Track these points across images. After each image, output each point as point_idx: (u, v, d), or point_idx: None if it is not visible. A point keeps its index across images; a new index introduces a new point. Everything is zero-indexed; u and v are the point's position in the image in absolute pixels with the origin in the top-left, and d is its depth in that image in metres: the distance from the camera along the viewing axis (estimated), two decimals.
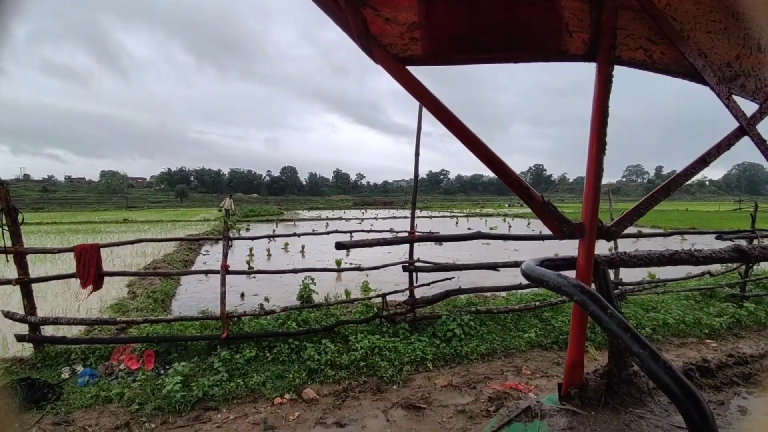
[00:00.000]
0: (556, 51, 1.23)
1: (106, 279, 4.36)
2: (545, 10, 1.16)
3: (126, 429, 2.90)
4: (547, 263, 1.15)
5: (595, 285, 1.21)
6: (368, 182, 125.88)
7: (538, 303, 5.31)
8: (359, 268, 5.14)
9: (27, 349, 4.17)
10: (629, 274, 6.64)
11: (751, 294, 5.93)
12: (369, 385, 3.55)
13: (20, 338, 4.01)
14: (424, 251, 11.37)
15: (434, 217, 33.51)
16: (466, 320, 4.58)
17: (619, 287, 5.63)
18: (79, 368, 3.75)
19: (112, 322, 4.34)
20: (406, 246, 4.89)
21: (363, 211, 45.92)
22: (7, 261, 4.01)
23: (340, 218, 31.92)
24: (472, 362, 4.07)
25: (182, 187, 68.62)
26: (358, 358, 3.87)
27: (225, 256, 4.37)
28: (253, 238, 5.15)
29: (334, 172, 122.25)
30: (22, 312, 4.05)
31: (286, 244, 13.96)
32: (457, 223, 26.68)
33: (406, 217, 31.27)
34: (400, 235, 5.90)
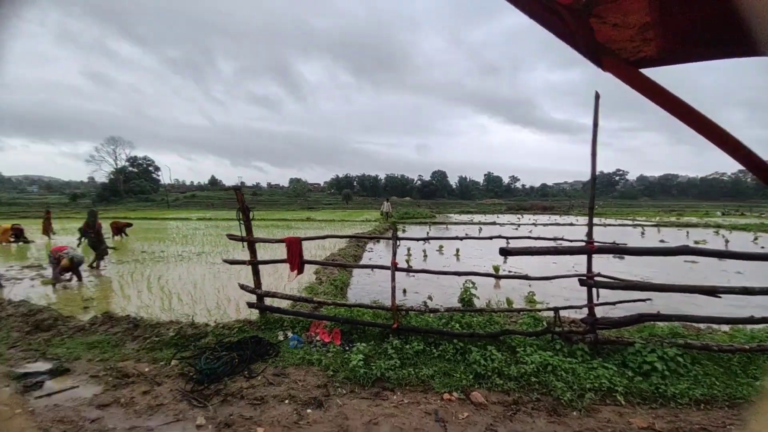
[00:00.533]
0: None
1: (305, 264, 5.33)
2: None
3: (324, 389, 3.47)
4: None
5: None
6: (523, 185, 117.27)
7: None
8: (526, 277, 4.82)
9: (253, 315, 5.45)
10: None
11: None
12: (543, 404, 3.29)
13: (250, 305, 5.28)
14: (601, 265, 9.83)
15: (609, 225, 28.66)
16: (671, 354, 3.75)
17: None
18: (290, 334, 4.69)
19: (310, 301, 5.27)
20: (575, 258, 4.35)
21: (518, 216, 43.05)
22: (243, 247, 5.35)
23: (494, 223, 30.73)
24: (682, 407, 3.29)
25: (347, 192, 78.43)
26: (528, 372, 3.63)
27: (394, 254, 4.75)
28: (417, 239, 5.45)
29: (485, 175, 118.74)
30: (251, 286, 5.32)
31: (441, 247, 14.28)
32: (643, 233, 22.22)
33: (571, 225, 27.83)
34: (574, 243, 5.31)
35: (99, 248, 9.63)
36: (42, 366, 3.88)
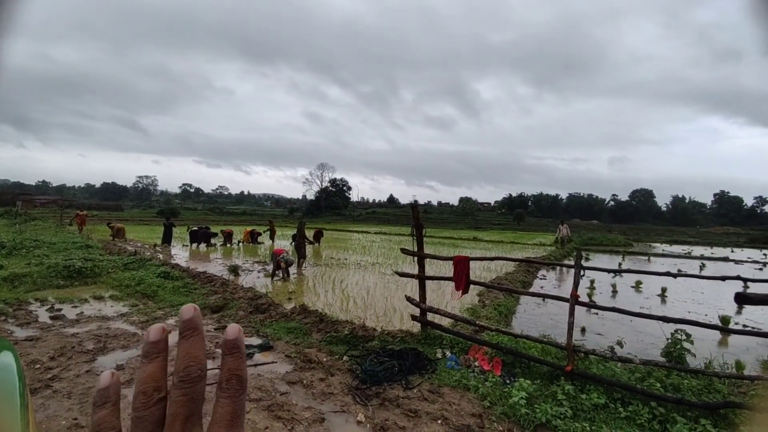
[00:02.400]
0: None
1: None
2: None
3: (479, 419, 3.30)
4: None
5: None
6: (745, 205, 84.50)
7: None
8: (761, 333, 3.43)
9: (415, 327, 5.69)
10: None
11: None
12: None
13: (413, 318, 5.55)
14: None
15: None
16: None
17: None
18: (448, 353, 4.70)
19: (472, 323, 5.16)
20: None
21: (766, 252, 31.02)
22: (412, 261, 5.68)
23: (726, 259, 23.11)
24: None
25: (520, 212, 73.72)
26: None
27: (576, 285, 4.17)
28: (606, 271, 4.63)
29: (714, 195, 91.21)
30: (416, 299, 5.59)
31: (638, 283, 11.68)
32: None
33: None
34: None
35: (301, 252, 12.02)
36: (255, 341, 5.05)
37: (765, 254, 28.51)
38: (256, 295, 7.43)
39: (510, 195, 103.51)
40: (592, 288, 10.75)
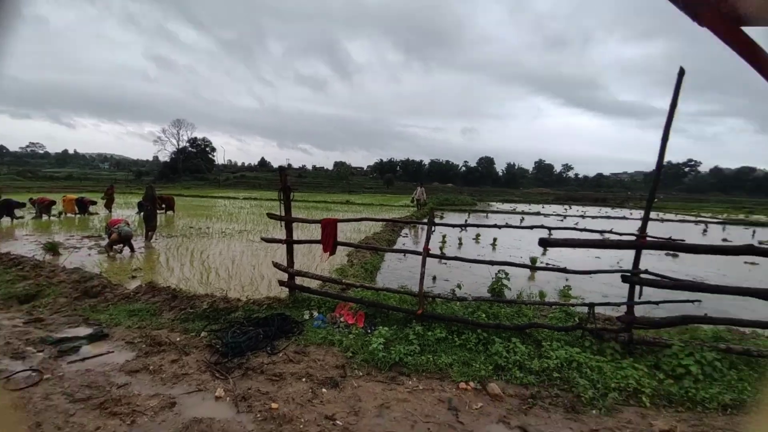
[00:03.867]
0: None
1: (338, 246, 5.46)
2: None
3: (342, 369, 3.58)
4: None
5: None
6: (576, 174, 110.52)
7: None
8: (564, 270, 4.59)
9: (284, 293, 5.69)
10: None
11: None
12: (562, 399, 3.18)
13: (281, 283, 5.52)
14: (650, 262, 9.16)
15: (669, 220, 26.46)
16: (709, 358, 3.46)
17: None
18: (315, 313, 4.87)
19: (338, 282, 5.41)
20: (621, 253, 4.07)
21: (566, 207, 40.88)
22: (281, 227, 5.55)
23: (538, 213, 29.46)
24: (709, 412, 3.06)
25: (389, 176, 78.54)
26: (551, 367, 3.52)
27: (427, 239, 4.71)
28: (452, 225, 5.38)
29: (535, 162, 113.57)
30: (284, 264, 5.55)
31: (478, 235, 13.97)
32: (705, 231, 20.33)
33: (624, 218, 26.04)
34: (623, 237, 4.97)
35: (151, 222, 10.44)
36: (82, 331, 4.21)
37: (565, 209, 37.52)
38: (84, 276, 6.17)
39: (381, 160, 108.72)
40: (443, 242, 12.40)
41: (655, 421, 2.93)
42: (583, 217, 25.83)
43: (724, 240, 15.80)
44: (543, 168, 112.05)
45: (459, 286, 5.16)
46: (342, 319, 4.71)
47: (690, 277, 8.43)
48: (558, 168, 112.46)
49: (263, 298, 5.46)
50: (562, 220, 23.24)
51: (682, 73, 3.46)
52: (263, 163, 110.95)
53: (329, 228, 5.22)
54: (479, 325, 4.24)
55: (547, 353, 3.73)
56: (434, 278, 8.04)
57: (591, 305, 4.10)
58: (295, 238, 5.58)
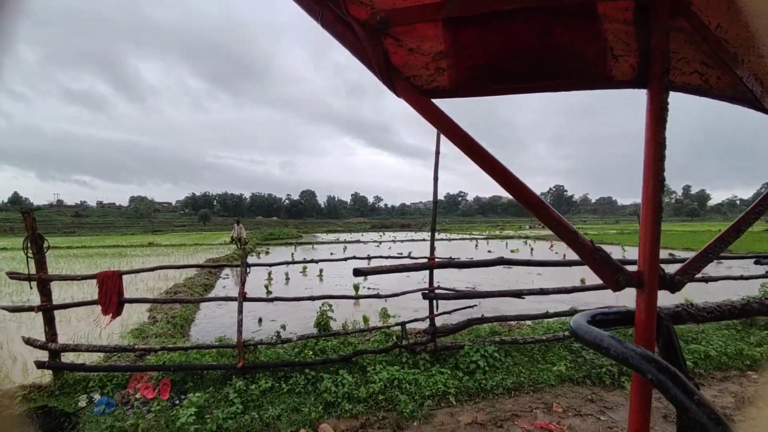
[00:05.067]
0: (601, 77, 1.12)
1: (130, 304, 4.40)
2: (585, 33, 1.06)
3: None
4: (600, 317, 1.02)
5: (659, 346, 1.08)
6: (386, 205, 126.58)
7: (566, 333, 5.01)
8: (377, 296, 5.01)
9: (46, 376, 4.18)
10: (666, 301, 6.24)
11: None
12: (388, 420, 3.37)
13: (40, 365, 4.03)
14: (445, 276, 11.12)
15: (453, 239, 33.04)
16: (490, 351, 4.35)
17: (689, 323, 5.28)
18: (96, 396, 3.72)
19: (130, 349, 4.32)
20: (426, 272, 4.76)
21: (381, 233, 45.93)
22: (31, 288, 4.09)
23: (358, 241, 31.91)
24: (498, 397, 3.82)
25: (205, 211, 70.66)
26: (376, 391, 3.69)
27: (243, 282, 4.35)
28: (270, 265, 5.13)
29: (352, 195, 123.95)
30: (43, 338, 4.09)
31: (305, 268, 13.94)
32: (476, 245, 26.18)
33: (424, 240, 30.95)
34: (419, 260, 5.80)
35: None
36: None
37: (380, 235, 41.97)
38: None
39: (193, 194, 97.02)
40: (269, 279, 11.82)
41: (461, 416, 3.43)
42: (394, 241, 29.45)
43: (489, 251, 20.78)
44: (359, 199, 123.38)
45: (283, 327, 4.92)
46: (138, 395, 3.75)
47: (472, 285, 10.63)
48: (371, 199, 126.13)
49: (16, 388, 3.85)
50: (378, 246, 25.81)
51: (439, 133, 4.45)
52: (16, 199, 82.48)
53: (109, 282, 4.17)
54: (307, 365, 4.11)
55: (372, 378, 3.91)
56: (260, 320, 7.47)
57: (403, 324, 4.58)
58: (61, 300, 4.20)
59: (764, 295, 6.07)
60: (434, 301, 4.68)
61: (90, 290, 8.89)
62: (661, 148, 1.05)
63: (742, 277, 5.82)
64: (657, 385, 0.63)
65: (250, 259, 19.19)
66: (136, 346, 4.34)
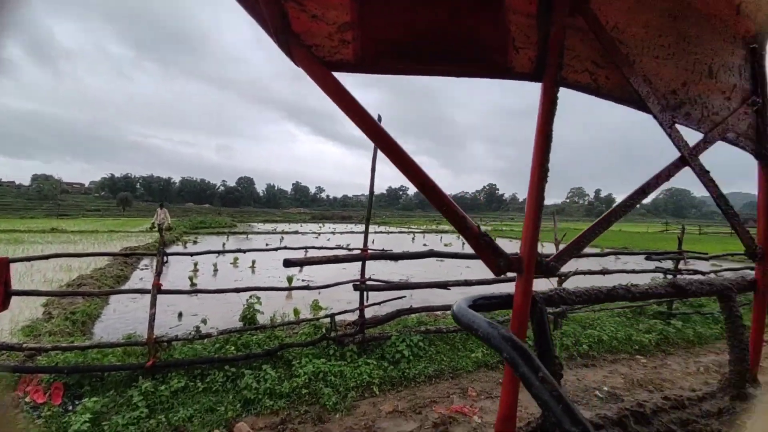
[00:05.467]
0: (502, 67, 1.14)
1: (21, 297, 3.83)
2: (491, 21, 1.08)
3: None
4: (481, 302, 1.07)
5: (532, 325, 1.15)
6: (328, 196, 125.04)
7: None
8: (308, 287, 4.91)
9: None
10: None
11: (678, 312, 6.40)
12: (310, 414, 3.33)
13: None
14: (379, 268, 11.28)
15: (392, 232, 33.67)
16: (415, 341, 4.50)
17: (561, 306, 5.83)
18: None
19: (18, 348, 3.77)
20: (367, 263, 4.76)
21: (321, 225, 45.29)
22: None
23: (297, 232, 31.12)
24: (420, 385, 3.97)
25: (125, 195, 63.90)
26: (300, 385, 3.63)
27: (158, 273, 4.00)
28: (193, 254, 4.78)
29: (293, 184, 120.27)
30: None
31: (236, 259, 13.25)
32: (413, 239, 26.96)
33: (363, 233, 31.13)
34: (353, 251, 5.79)
35: None
36: None
37: (320, 226, 41.35)
38: None
39: (112, 175, 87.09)
40: (195, 270, 11.06)
41: (383, 405, 3.50)
42: (333, 233, 29.22)
43: (425, 245, 21.50)
44: (300, 189, 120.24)
45: (204, 321, 4.62)
46: (28, 399, 3.29)
47: (405, 277, 10.92)
48: (313, 190, 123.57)
49: None
50: (317, 237, 25.43)
51: (379, 119, 4.44)
52: None
53: None
54: (227, 361, 3.91)
55: (296, 372, 3.83)
56: (180, 315, 6.96)
57: (332, 315, 4.56)
58: None
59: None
60: (365, 293, 4.70)
61: None
62: (548, 140, 1.09)
63: (634, 271, 6.65)
64: (510, 361, 0.67)
65: (175, 249, 17.83)
66: (24, 345, 3.79)
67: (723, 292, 1.53)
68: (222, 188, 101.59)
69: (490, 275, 5.70)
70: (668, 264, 6.60)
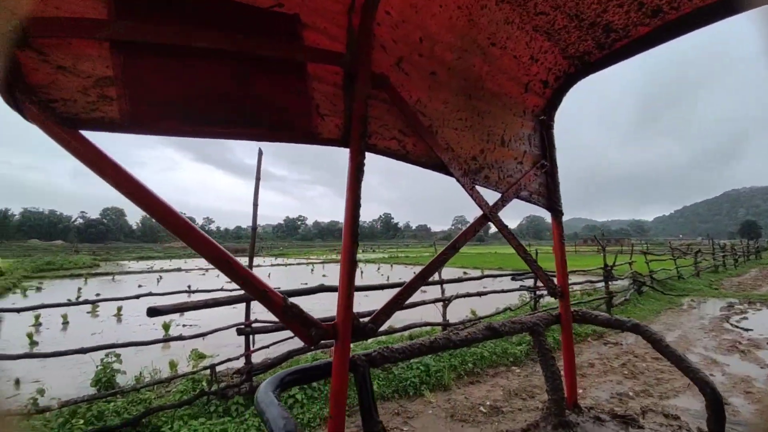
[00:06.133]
0: (307, 132, 1.13)
1: None
2: (291, 89, 1.08)
3: None
4: (292, 377, 1.04)
5: (356, 386, 1.17)
6: (218, 227, 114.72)
7: None
8: (180, 338, 4.35)
9: None
10: (454, 315, 7.51)
11: None
12: None
13: None
14: None
15: (290, 264, 32.35)
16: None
17: (446, 327, 6.27)
18: None
19: None
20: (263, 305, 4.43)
21: None
22: None
23: (179, 269, 27.57)
24: (314, 429, 3.79)
25: None
26: None
27: None
28: (20, 310, 3.83)
29: None
30: None
31: (95, 308, 11.08)
32: (312, 270, 26.35)
33: (258, 266, 29.22)
34: (235, 292, 5.36)
35: None
36: None
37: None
38: None
39: None
40: (37, 324, 8.91)
41: None
42: None
43: (324, 275, 21.19)
44: None
45: (41, 392, 3.70)
46: None
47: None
48: (200, 221, 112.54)
49: None
50: (204, 275, 22.98)
51: (260, 153, 4.32)
52: None
53: None
54: None
55: None
56: (17, 382, 5.49)
57: (212, 367, 4.11)
58: None
59: (453, 330, 8.09)
60: (251, 336, 4.37)
61: None
62: (356, 207, 1.11)
63: (503, 291, 7.59)
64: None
65: (12, 298, 14.06)
66: None
67: (533, 329, 1.76)
68: (80, 221, 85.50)
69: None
70: (530, 281, 7.70)
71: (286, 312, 0.98)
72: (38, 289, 16.81)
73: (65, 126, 0.82)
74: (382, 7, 1.14)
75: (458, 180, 1.43)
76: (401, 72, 1.27)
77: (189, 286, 6.77)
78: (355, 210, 1.11)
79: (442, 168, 1.42)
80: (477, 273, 15.99)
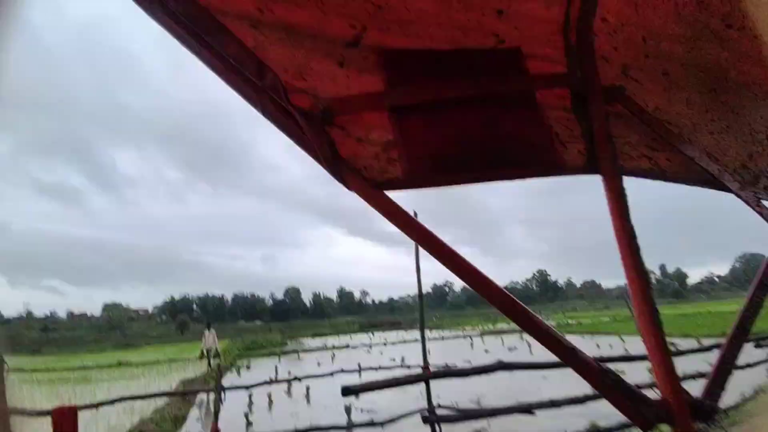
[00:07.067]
0: (553, 164, 1.10)
1: None
2: (530, 121, 1.07)
3: None
4: None
5: None
6: (373, 300, 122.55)
7: None
8: (371, 423, 4.53)
9: None
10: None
11: None
12: None
13: None
14: (443, 385, 10.26)
15: (446, 337, 31.54)
16: None
17: None
18: None
19: None
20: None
21: (370, 334, 43.53)
22: None
23: (347, 346, 29.92)
24: None
25: (183, 318, 66.73)
26: None
27: (216, 416, 3.87)
28: (248, 387, 4.66)
29: (337, 290, 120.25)
30: None
31: (289, 387, 12.69)
32: (472, 344, 24.96)
33: (416, 341, 29.34)
34: (412, 370, 5.39)
35: None
36: None
37: (370, 337, 39.75)
38: None
39: (172, 298, 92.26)
40: (251, 403, 10.64)
41: None
42: (385, 344, 27.84)
43: (486, 351, 19.72)
44: (345, 295, 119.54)
45: None
46: None
47: (474, 395, 9.83)
48: (357, 294, 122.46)
49: None
50: (368, 351, 24.28)
51: (415, 215, 4.55)
52: None
53: (67, 424, 3.64)
54: None
55: None
56: None
57: None
58: None
59: None
60: (436, 425, 4.23)
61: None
62: (631, 237, 0.93)
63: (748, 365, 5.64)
64: None
65: (229, 377, 17.49)
66: None
67: None
68: (271, 301, 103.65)
69: (578, 387, 4.81)
70: None
71: (604, 379, 0.79)
72: (248, 367, 20.44)
73: (375, 189, 0.96)
74: (598, 15, 1.06)
75: (738, 195, 1.17)
76: (630, 80, 1.16)
77: (359, 364, 7.16)
78: (631, 241, 0.92)
79: (712, 183, 1.19)
80: (687, 342, 12.30)
